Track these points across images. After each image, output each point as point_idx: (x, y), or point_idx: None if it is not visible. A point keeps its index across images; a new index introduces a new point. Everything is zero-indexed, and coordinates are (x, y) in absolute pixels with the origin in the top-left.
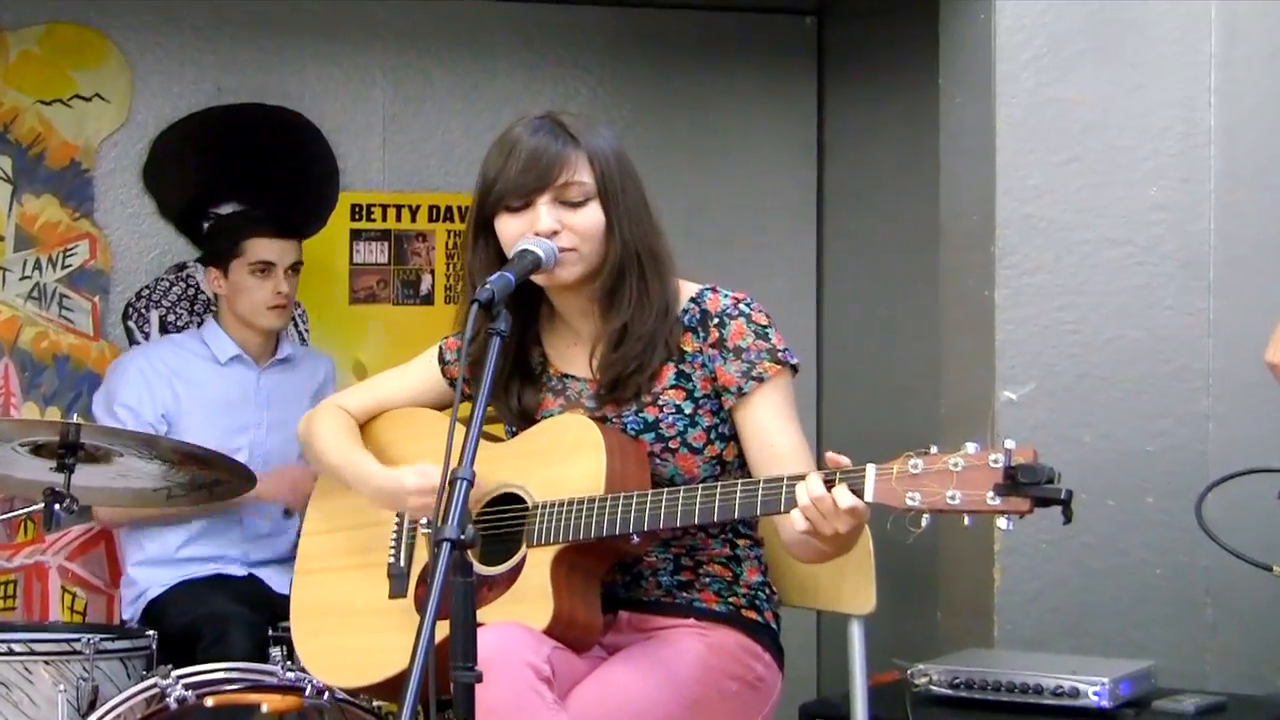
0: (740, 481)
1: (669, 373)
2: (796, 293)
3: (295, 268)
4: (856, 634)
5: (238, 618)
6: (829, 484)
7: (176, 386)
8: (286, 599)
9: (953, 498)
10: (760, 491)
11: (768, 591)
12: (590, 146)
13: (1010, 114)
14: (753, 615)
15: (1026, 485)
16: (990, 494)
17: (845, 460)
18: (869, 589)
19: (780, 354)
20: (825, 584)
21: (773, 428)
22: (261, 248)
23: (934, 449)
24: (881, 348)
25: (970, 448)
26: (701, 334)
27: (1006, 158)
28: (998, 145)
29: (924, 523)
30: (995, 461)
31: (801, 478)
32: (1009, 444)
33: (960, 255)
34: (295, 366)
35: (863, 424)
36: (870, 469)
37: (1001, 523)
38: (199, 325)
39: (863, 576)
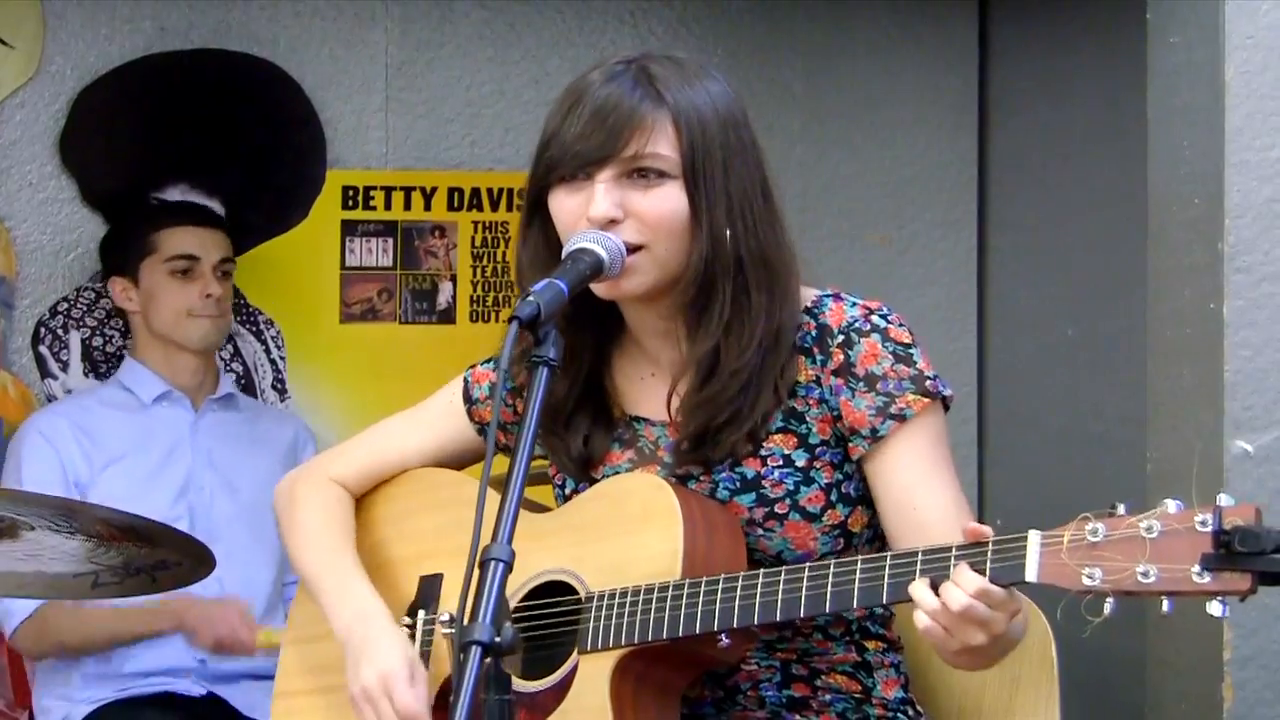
0: (861, 559)
1: (776, 410)
2: (950, 304)
3: (225, 269)
4: None
5: None
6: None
7: (85, 445)
8: None
9: (1146, 575)
10: (887, 571)
11: (911, 712)
12: (679, 105)
13: (1247, 60)
14: None
15: (1246, 555)
16: (1196, 568)
17: (988, 531)
18: (1051, 713)
19: (929, 382)
20: (991, 704)
21: (915, 484)
22: (179, 239)
23: (1121, 508)
24: (1065, 381)
25: (1171, 506)
26: (819, 357)
27: (1240, 120)
28: (1228, 104)
29: (1107, 609)
30: (1203, 524)
31: (945, 552)
32: (1223, 500)
33: (1175, 255)
34: (249, 418)
35: (1039, 485)
36: (1033, 537)
37: (1214, 608)
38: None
39: (1042, 694)
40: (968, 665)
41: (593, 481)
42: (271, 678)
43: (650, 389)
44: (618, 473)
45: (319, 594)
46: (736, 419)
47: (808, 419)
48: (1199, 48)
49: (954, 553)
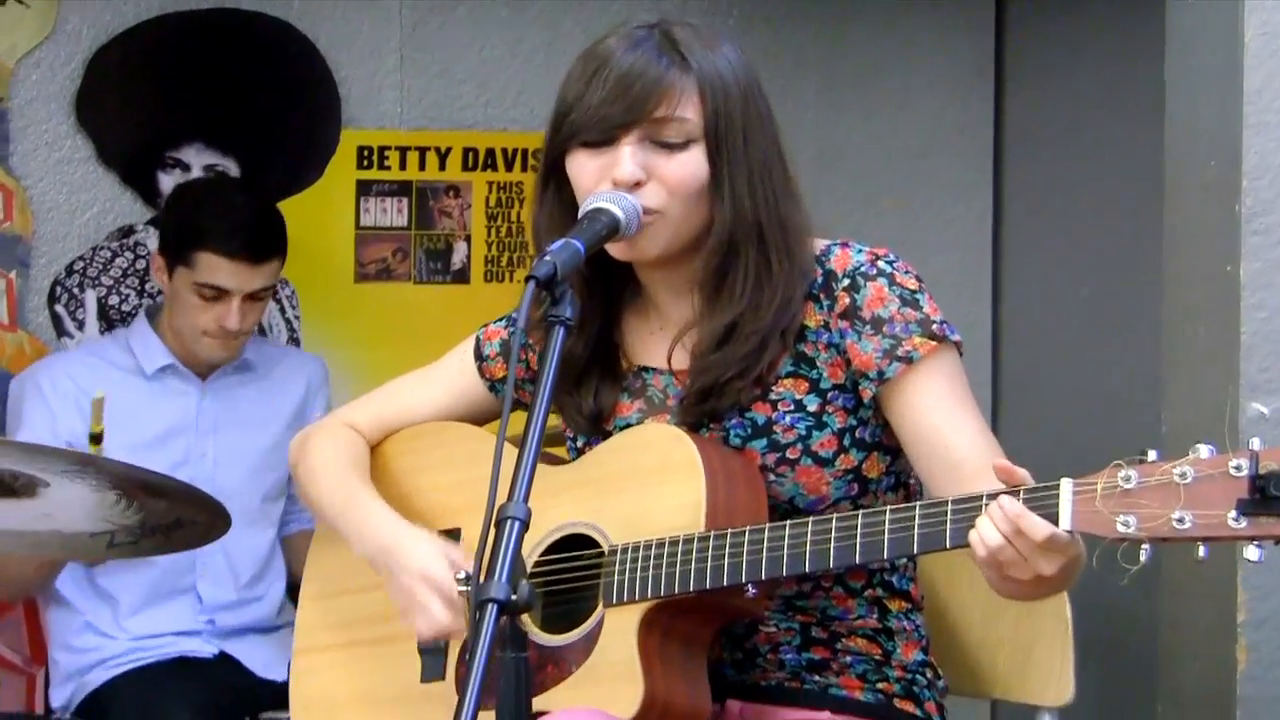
0: (890, 508)
1: (784, 356)
2: (965, 269)
3: (259, 296)
4: None
5: (202, 712)
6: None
7: (86, 408)
8: (269, 684)
9: (1181, 521)
10: (917, 521)
11: (929, 674)
12: (704, 72)
13: (1266, 21)
14: (909, 707)
15: None
16: (1233, 514)
17: (1023, 474)
18: (1065, 672)
19: (935, 326)
20: (1005, 664)
21: (941, 424)
22: (214, 268)
23: (1152, 455)
24: (1081, 343)
25: (1203, 451)
26: (826, 302)
27: (1259, 80)
28: (1246, 64)
29: (1144, 556)
30: (1238, 469)
31: (975, 501)
32: (1255, 444)
33: (1192, 216)
34: (261, 375)
35: (1055, 447)
36: (1066, 485)
37: (1251, 552)
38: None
39: (1056, 655)
40: (1028, 594)
41: (604, 435)
42: (277, 630)
43: (658, 341)
44: (629, 424)
45: (341, 523)
46: (745, 372)
47: (818, 364)
48: (1217, 8)
49: (984, 501)
